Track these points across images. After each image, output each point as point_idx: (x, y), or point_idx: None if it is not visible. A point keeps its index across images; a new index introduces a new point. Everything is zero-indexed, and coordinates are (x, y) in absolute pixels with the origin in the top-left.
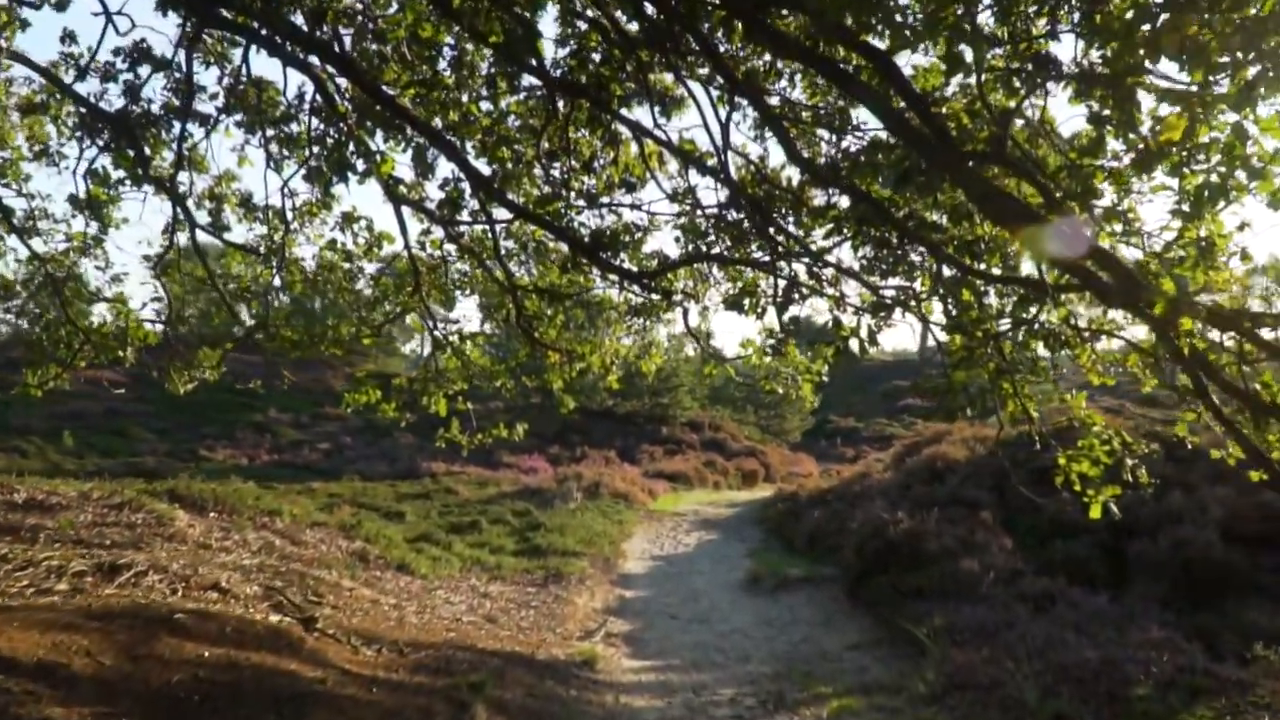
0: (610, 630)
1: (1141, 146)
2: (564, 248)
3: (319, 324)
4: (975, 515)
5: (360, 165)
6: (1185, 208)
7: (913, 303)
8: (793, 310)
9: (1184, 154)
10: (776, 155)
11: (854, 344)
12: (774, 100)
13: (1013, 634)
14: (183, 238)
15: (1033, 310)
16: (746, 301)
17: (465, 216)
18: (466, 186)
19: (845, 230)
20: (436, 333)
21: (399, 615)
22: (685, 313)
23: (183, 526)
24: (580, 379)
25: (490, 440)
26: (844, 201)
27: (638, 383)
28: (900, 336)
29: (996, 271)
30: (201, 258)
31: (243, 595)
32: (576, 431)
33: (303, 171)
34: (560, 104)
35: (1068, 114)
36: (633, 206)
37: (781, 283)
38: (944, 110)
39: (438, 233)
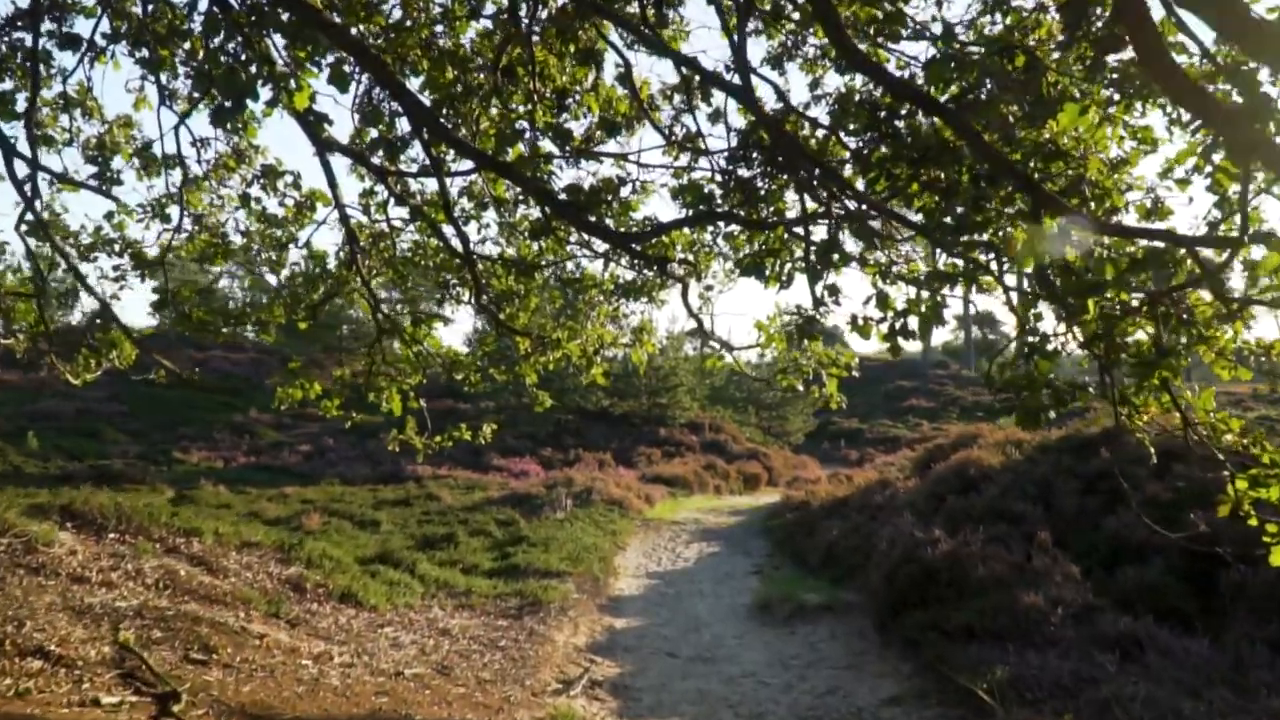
0: (594, 677)
1: None
2: (534, 209)
3: (236, 302)
4: (1024, 533)
5: (266, 93)
6: None
7: (993, 264)
8: (830, 277)
9: None
10: (797, 94)
11: (913, 323)
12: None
13: (1100, 693)
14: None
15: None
16: (769, 264)
17: (409, 168)
18: (406, 126)
19: (896, 174)
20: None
21: (317, 672)
22: (685, 289)
23: (59, 554)
24: (560, 371)
25: (451, 444)
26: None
27: (635, 382)
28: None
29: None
30: (33, 210)
31: (81, 661)
32: (571, 433)
33: (208, 111)
34: (523, 11)
35: None
36: (619, 157)
37: (814, 242)
38: None
39: (383, 193)
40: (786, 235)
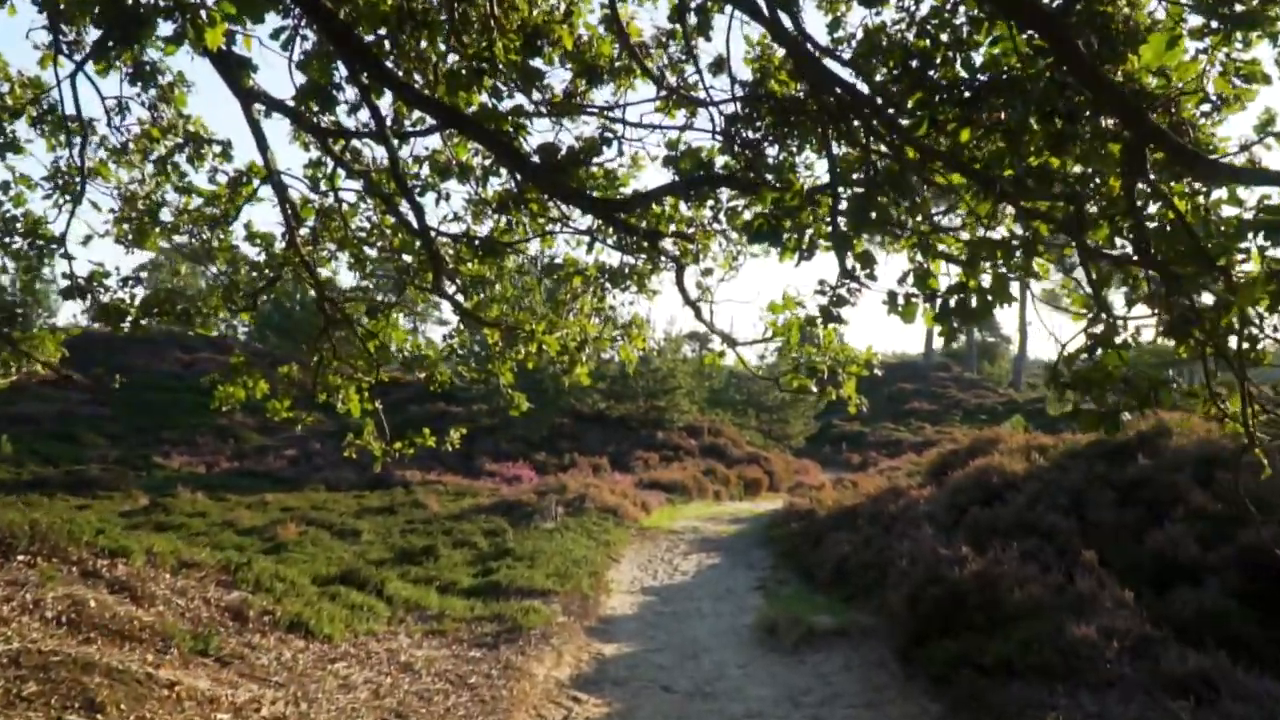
0: None
1: None
2: (506, 179)
3: (160, 290)
4: (1057, 549)
5: (168, 27)
6: None
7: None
8: (863, 244)
9: None
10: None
11: (973, 302)
12: None
13: None
14: None
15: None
16: (788, 227)
17: (350, 124)
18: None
19: (942, 119)
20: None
21: None
22: (680, 272)
23: None
24: (543, 371)
25: (412, 450)
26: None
27: (631, 384)
28: (902, 336)
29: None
30: None
31: None
32: (566, 437)
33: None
34: None
35: None
36: (602, 111)
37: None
38: None
39: (331, 163)
40: (806, 194)
